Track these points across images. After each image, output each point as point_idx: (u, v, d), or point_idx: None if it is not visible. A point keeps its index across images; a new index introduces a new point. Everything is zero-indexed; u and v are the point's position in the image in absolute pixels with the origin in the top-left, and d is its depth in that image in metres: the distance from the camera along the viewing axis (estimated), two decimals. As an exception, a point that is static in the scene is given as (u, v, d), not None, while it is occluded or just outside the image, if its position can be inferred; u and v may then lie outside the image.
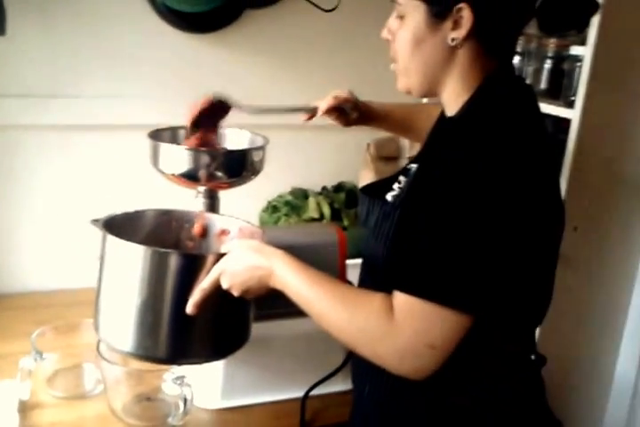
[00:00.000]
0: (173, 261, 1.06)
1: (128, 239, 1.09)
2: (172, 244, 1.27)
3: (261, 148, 1.37)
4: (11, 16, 1.54)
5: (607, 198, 1.79)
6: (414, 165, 1.12)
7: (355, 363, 1.19)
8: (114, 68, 1.82)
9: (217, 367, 1.34)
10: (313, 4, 1.85)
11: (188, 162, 1.28)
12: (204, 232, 1.28)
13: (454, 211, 0.89)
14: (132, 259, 1.07)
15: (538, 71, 1.80)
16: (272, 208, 1.96)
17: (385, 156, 2.01)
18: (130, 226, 1.21)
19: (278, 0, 1.93)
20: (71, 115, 1.79)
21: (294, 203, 1.95)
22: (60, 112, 1.77)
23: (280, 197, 2.01)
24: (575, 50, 1.67)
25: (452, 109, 1.04)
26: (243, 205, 1.59)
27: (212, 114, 1.27)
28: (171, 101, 1.85)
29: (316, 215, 1.89)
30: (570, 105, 1.66)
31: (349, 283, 1.36)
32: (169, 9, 1.80)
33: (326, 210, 1.90)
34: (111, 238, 1.09)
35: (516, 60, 1.82)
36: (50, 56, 1.76)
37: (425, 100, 1.90)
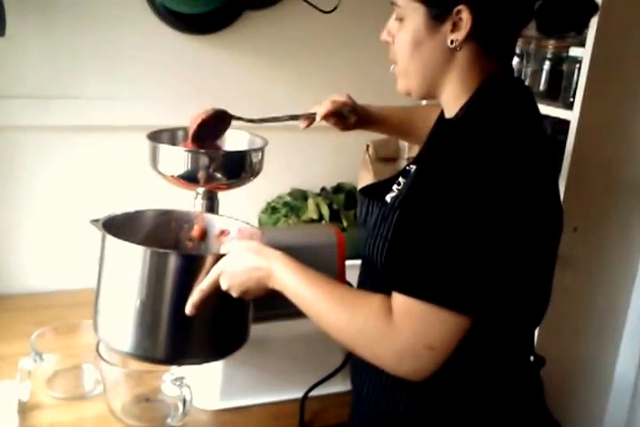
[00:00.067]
0: (172, 261, 1.06)
1: (127, 240, 1.09)
2: (172, 244, 1.27)
3: (260, 149, 1.38)
4: (10, 17, 1.54)
5: (606, 199, 1.79)
6: (414, 167, 1.13)
7: (354, 364, 1.19)
8: (113, 70, 1.82)
9: (216, 368, 1.34)
10: (312, 5, 1.85)
11: (187, 163, 1.29)
12: (203, 235, 1.28)
13: (453, 213, 0.89)
14: (131, 259, 1.08)
15: (537, 72, 1.80)
16: (271, 209, 1.97)
17: (384, 157, 2.01)
18: (129, 226, 1.21)
19: (277, 1, 1.93)
20: (71, 116, 1.79)
21: (293, 204, 1.95)
22: (59, 113, 1.77)
23: (279, 198, 2.01)
24: (574, 51, 1.67)
25: (451, 111, 1.04)
26: (242, 206, 1.59)
27: (213, 126, 1.27)
28: (170, 103, 1.86)
29: (315, 216, 1.90)
30: (569, 106, 1.66)
31: (348, 284, 1.36)
32: (168, 10, 1.80)
33: (325, 211, 1.90)
34: (110, 239, 1.09)
35: (515, 61, 1.82)
36: (50, 57, 1.76)
37: (424, 102, 1.90)
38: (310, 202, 1.93)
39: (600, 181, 1.74)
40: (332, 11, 1.85)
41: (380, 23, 1.09)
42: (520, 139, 0.94)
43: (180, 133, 1.43)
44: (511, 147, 0.92)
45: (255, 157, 1.36)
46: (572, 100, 1.66)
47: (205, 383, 1.37)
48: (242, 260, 1.03)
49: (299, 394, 1.36)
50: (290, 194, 2.03)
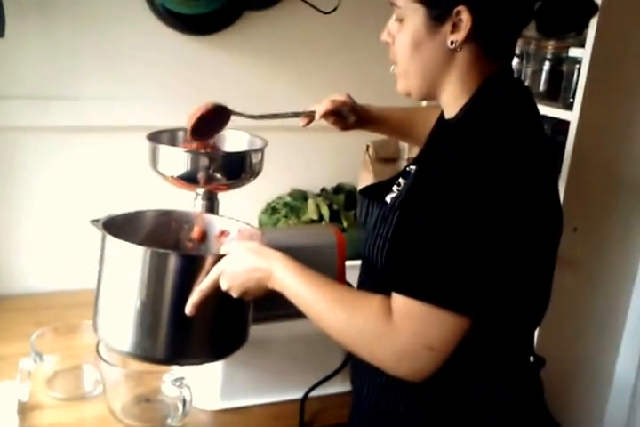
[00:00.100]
0: (172, 261, 1.06)
1: (127, 240, 1.09)
2: (172, 244, 1.28)
3: (260, 150, 1.38)
4: (9, 17, 1.55)
5: (606, 199, 1.79)
6: (414, 167, 1.13)
7: (354, 364, 1.19)
8: (113, 70, 1.82)
9: (216, 369, 1.34)
10: (312, 5, 1.86)
11: (186, 164, 1.29)
12: (203, 237, 1.28)
13: (453, 213, 0.89)
14: (131, 259, 1.08)
15: (536, 73, 1.80)
16: (271, 210, 1.97)
17: (384, 157, 2.01)
18: (129, 226, 1.21)
19: (277, 2, 1.93)
20: (70, 116, 1.79)
21: (293, 204, 1.95)
22: (59, 114, 1.77)
23: (279, 198, 2.01)
24: (574, 52, 1.67)
25: (451, 112, 1.04)
26: (242, 206, 1.59)
27: (212, 121, 1.27)
28: (170, 103, 1.85)
29: (315, 217, 1.90)
30: (568, 107, 1.66)
31: (349, 284, 1.36)
32: (168, 11, 1.80)
33: (325, 211, 1.90)
34: (110, 239, 1.09)
35: (515, 61, 1.82)
36: (49, 58, 1.76)
37: (424, 103, 1.90)
38: (310, 202, 1.93)
39: (600, 182, 1.74)
40: (332, 11, 1.85)
41: (379, 24, 1.09)
42: (520, 140, 0.94)
43: (180, 134, 1.43)
44: (511, 148, 0.92)
45: (255, 158, 1.36)
46: (571, 100, 1.66)
47: (205, 384, 1.37)
48: (242, 260, 1.04)
49: (299, 394, 1.36)
50: (290, 194, 2.03)
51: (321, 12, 1.86)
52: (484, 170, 0.89)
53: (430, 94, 1.06)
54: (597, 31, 1.55)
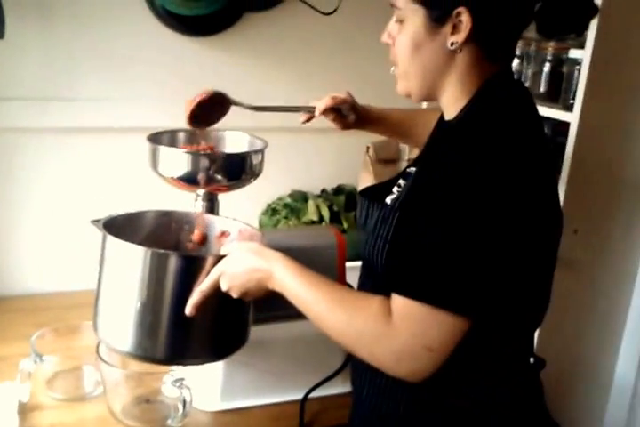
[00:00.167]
0: (173, 262, 1.06)
1: (128, 240, 1.09)
2: (172, 245, 1.28)
3: (260, 151, 1.38)
4: (8, 18, 1.55)
5: (607, 201, 1.79)
6: (414, 169, 1.13)
7: (354, 365, 1.19)
8: (112, 71, 1.83)
9: (216, 369, 1.34)
10: (312, 7, 1.86)
11: (187, 165, 1.29)
12: (204, 240, 1.28)
13: (453, 214, 0.89)
14: (131, 260, 1.08)
15: (537, 74, 1.80)
16: (271, 211, 1.97)
17: (384, 158, 2.01)
18: (130, 227, 1.22)
19: (277, 3, 1.94)
20: (69, 117, 1.79)
21: (294, 205, 1.95)
22: (58, 115, 1.77)
23: (279, 199, 2.01)
24: (574, 53, 1.67)
25: (450, 113, 1.04)
26: (242, 207, 1.60)
27: (211, 108, 1.26)
28: (170, 104, 1.85)
29: (315, 218, 1.90)
30: (569, 108, 1.66)
31: (349, 286, 1.36)
32: (168, 12, 1.80)
33: (325, 213, 1.90)
34: (111, 239, 1.09)
35: (515, 63, 1.82)
36: (48, 59, 1.77)
37: (424, 104, 1.90)
38: (310, 204, 1.93)
39: (600, 183, 1.75)
40: (332, 13, 1.85)
41: (379, 25, 1.09)
42: (519, 141, 0.94)
43: (181, 135, 1.44)
44: (511, 149, 0.92)
45: (255, 159, 1.36)
46: (572, 101, 1.66)
47: (206, 385, 1.37)
48: (242, 261, 1.04)
49: (299, 395, 1.36)
50: (290, 196, 2.03)
51: (321, 13, 1.86)
52: (484, 171, 0.89)
53: (430, 95, 1.06)
54: (597, 32, 1.56)
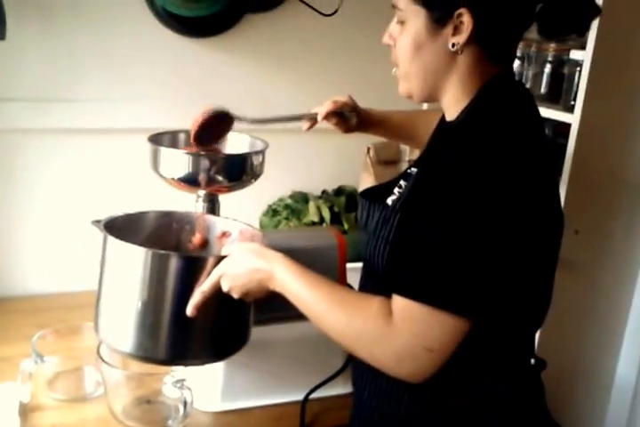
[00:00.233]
0: (174, 263, 1.06)
1: (129, 241, 1.09)
2: (173, 245, 1.28)
3: (261, 152, 1.38)
4: (9, 19, 1.55)
5: (608, 201, 1.79)
6: (415, 169, 1.13)
7: (355, 366, 1.19)
8: (113, 72, 1.83)
9: (217, 370, 1.34)
10: (313, 8, 1.86)
11: (187, 166, 1.29)
12: (205, 243, 1.28)
13: (454, 215, 0.89)
14: (132, 260, 1.08)
15: (538, 75, 1.80)
16: (272, 212, 1.97)
17: (385, 159, 2.01)
18: (131, 227, 1.22)
19: (278, 4, 1.94)
20: (70, 118, 1.79)
21: (294, 206, 1.95)
22: (59, 115, 1.77)
23: (280, 200, 2.01)
24: (575, 54, 1.67)
25: (452, 114, 1.04)
26: (243, 208, 1.59)
27: (215, 126, 1.27)
28: (171, 105, 1.86)
29: (316, 219, 1.90)
30: (569, 109, 1.66)
31: (350, 286, 1.36)
32: (169, 13, 1.80)
33: (326, 214, 1.90)
34: (112, 240, 1.10)
35: (516, 64, 1.82)
36: (49, 60, 1.77)
37: (425, 105, 1.91)
38: (311, 205, 1.93)
39: (601, 184, 1.75)
40: (333, 14, 1.85)
41: (380, 26, 1.09)
42: (520, 142, 0.94)
43: (181, 136, 1.44)
44: (512, 150, 0.92)
45: (256, 160, 1.36)
46: (572, 102, 1.66)
47: (206, 385, 1.37)
48: (243, 262, 1.04)
49: (300, 396, 1.36)
50: (291, 197, 2.03)
51: (322, 14, 1.86)
52: (485, 172, 0.89)
53: (431, 97, 1.06)
54: (598, 33, 1.56)
